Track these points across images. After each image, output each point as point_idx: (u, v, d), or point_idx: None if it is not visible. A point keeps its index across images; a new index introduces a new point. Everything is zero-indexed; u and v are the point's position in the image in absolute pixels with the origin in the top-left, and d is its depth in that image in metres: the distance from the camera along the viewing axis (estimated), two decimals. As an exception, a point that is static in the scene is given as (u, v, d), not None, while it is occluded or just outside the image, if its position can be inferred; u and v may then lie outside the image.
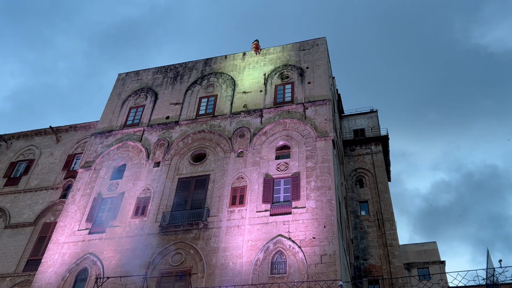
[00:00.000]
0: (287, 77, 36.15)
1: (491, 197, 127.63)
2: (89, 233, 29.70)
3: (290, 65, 36.90)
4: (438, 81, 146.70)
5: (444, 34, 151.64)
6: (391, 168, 43.93)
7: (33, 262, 32.14)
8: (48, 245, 30.03)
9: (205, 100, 36.82)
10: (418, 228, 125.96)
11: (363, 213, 37.85)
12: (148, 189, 31.18)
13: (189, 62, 40.90)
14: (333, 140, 30.10)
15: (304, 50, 37.55)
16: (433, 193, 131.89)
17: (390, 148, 43.06)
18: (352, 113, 45.68)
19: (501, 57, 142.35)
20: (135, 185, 31.74)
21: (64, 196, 36.32)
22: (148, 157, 33.60)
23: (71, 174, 37.37)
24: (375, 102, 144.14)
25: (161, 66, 41.56)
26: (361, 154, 40.81)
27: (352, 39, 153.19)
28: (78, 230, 30.20)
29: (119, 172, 33.63)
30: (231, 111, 34.83)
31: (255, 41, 38.65)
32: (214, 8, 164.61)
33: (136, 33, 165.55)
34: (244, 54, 39.65)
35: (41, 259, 30.13)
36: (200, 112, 35.95)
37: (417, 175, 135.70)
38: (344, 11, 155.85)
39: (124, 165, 33.98)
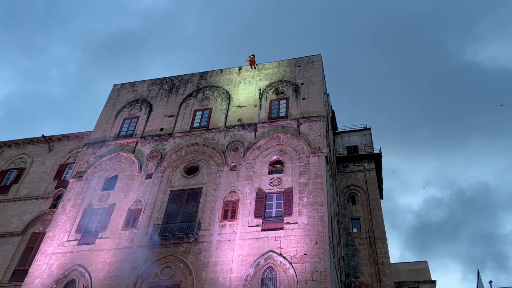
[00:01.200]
0: (282, 92, 36.29)
1: (483, 215, 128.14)
2: (78, 244, 29.18)
3: (285, 81, 37.12)
4: (431, 97, 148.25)
5: (438, 51, 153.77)
6: (383, 185, 44.01)
7: (20, 273, 31.59)
8: (36, 256, 29.44)
9: (199, 113, 36.79)
10: (409, 244, 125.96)
11: (355, 230, 37.74)
12: (139, 201, 30.86)
13: (184, 75, 40.98)
14: (326, 157, 30.10)
15: (299, 66, 37.84)
16: (425, 209, 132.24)
17: (382, 165, 43.18)
18: (345, 130, 45.90)
19: (494, 74, 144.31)
20: (127, 197, 31.40)
21: (54, 206, 35.88)
22: (141, 168, 33.35)
23: (62, 184, 36.99)
24: (369, 118, 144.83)
25: (156, 78, 41.62)
26: (354, 171, 40.91)
27: (346, 55, 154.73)
28: (67, 241, 29.70)
29: (111, 183, 33.25)
30: (225, 125, 34.85)
31: (251, 55, 38.90)
32: (209, 20, 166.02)
33: (131, 43, 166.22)
34: (240, 68, 39.84)
35: (28, 269, 29.55)
36: (195, 125, 35.86)
37: (409, 191, 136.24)
38: (338, 28, 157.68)
39: (116, 176, 33.68)
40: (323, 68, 37.88)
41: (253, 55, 39.00)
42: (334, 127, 45.35)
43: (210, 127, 35.05)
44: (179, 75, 41.23)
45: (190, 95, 38.86)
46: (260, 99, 36.18)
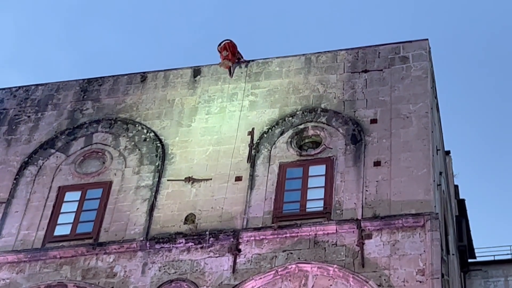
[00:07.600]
0: (316, 144, 15.26)
1: None
2: None
3: (324, 110, 15.00)
4: None
5: None
6: None
7: None
8: None
9: (73, 196, 16.13)
10: None
11: None
12: None
13: (33, 86, 17.43)
14: None
15: (366, 71, 15.37)
16: None
17: None
18: (502, 255, 21.21)
19: None
20: None
21: None
22: None
23: None
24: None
25: None
26: None
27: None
28: None
29: None
30: (147, 233, 15.15)
31: (224, 42, 16.29)
32: None
33: None
34: (195, 72, 16.84)
35: None
36: (58, 232, 15.54)
37: None
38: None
39: None
40: (433, 78, 15.44)
41: (230, 41, 16.50)
42: (463, 247, 20.54)
43: (102, 239, 15.34)
44: (18, 87, 17.62)
45: (49, 143, 16.49)
46: (251, 159, 15.44)
